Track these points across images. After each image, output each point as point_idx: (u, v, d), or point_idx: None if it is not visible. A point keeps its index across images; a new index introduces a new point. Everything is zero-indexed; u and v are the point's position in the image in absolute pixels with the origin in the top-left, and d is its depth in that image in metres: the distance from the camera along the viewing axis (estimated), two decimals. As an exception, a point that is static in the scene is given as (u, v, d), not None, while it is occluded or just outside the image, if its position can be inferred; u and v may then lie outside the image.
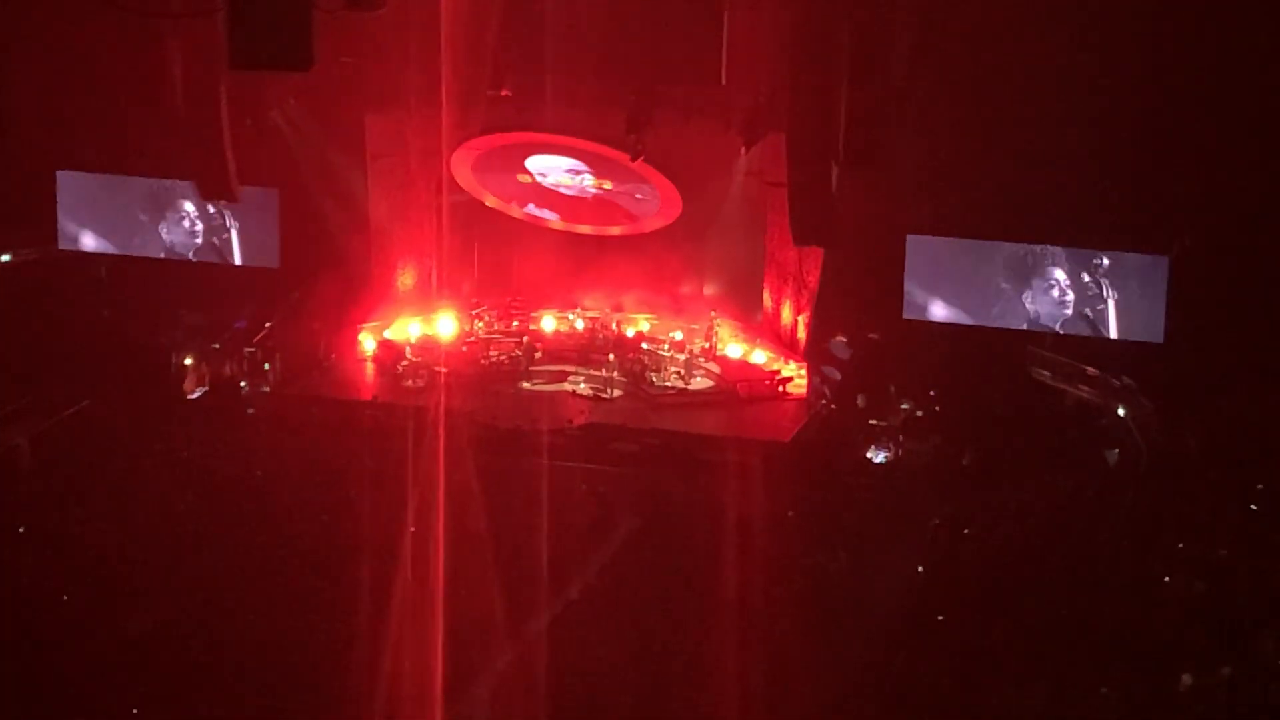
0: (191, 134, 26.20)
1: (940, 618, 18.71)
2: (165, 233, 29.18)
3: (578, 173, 30.72)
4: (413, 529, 19.73)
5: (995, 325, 25.55)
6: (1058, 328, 25.31)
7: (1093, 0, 23.20)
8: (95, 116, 27.69)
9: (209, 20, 22.52)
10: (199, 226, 29.14)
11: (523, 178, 31.04)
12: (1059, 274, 25.11)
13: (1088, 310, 25.08)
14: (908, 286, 25.94)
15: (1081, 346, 25.08)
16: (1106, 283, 24.85)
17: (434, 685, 17.19)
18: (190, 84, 25.54)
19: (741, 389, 28.50)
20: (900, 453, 24.64)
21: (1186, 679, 17.18)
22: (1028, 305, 25.41)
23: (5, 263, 27.81)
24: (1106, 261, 24.78)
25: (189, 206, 28.90)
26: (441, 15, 24.46)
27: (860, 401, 25.71)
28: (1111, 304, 24.90)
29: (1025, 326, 25.52)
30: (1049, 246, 25.05)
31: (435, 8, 24.39)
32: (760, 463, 23.91)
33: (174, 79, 25.72)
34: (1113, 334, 24.91)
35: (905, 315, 26.03)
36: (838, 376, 26.63)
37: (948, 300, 25.88)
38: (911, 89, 23.71)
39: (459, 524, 19.77)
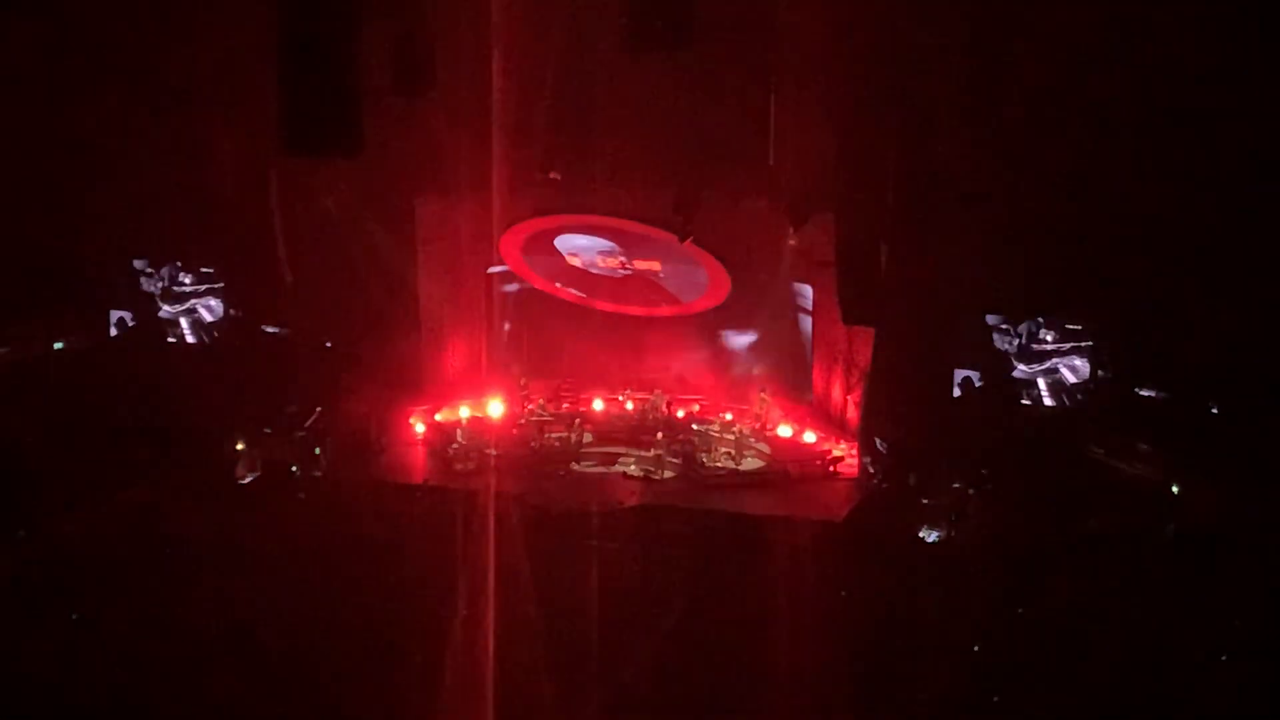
0: (243, 221, 26.43)
1: (995, 699, 18.55)
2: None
3: (624, 254, 30.79)
4: (464, 613, 19.70)
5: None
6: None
7: (1157, 73, 22.95)
8: (150, 206, 27.91)
9: (259, 109, 22.94)
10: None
11: (571, 260, 31.16)
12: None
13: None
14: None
15: (1135, 422, 24.85)
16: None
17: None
18: (241, 172, 25.82)
19: (793, 469, 28.40)
20: (953, 532, 24.43)
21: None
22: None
23: (58, 350, 27.98)
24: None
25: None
26: (491, 100, 24.68)
27: (912, 480, 25.55)
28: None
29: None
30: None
31: (484, 93, 24.61)
32: (812, 543, 23.83)
33: (225, 168, 26.02)
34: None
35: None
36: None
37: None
38: (962, 164, 23.70)
39: (510, 607, 19.74)
